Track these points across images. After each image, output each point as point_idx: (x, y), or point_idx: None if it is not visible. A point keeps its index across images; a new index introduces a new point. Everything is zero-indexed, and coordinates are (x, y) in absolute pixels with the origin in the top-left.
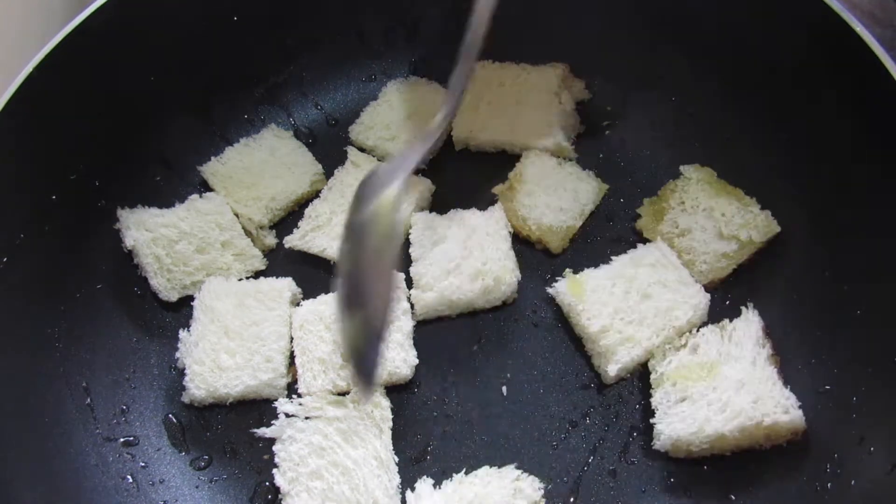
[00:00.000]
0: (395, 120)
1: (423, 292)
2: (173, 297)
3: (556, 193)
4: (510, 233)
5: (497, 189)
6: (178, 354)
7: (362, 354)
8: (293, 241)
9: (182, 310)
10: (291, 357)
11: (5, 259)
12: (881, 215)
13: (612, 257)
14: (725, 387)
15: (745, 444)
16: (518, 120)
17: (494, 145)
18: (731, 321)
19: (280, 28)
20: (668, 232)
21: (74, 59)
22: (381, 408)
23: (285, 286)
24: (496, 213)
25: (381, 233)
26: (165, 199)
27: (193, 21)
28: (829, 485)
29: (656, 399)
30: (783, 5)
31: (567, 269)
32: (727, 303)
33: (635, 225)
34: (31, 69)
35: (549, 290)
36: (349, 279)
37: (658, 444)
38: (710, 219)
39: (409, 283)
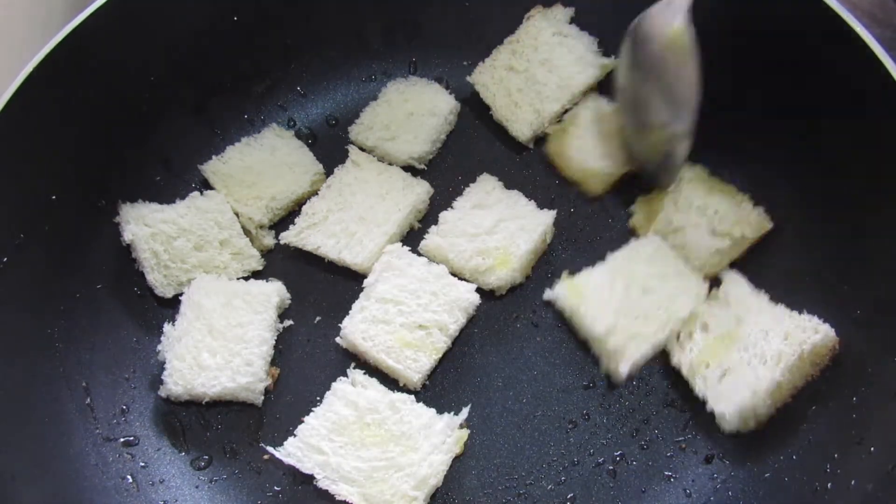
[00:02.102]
0: (395, 120)
1: (437, 235)
2: (169, 293)
3: (605, 140)
4: (545, 241)
5: (550, 128)
6: (159, 347)
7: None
8: (289, 237)
9: (166, 310)
10: (272, 362)
11: (5, 259)
12: (881, 215)
13: (608, 254)
14: (753, 342)
15: (799, 384)
16: (553, 77)
17: (559, 115)
18: (717, 289)
19: (280, 28)
20: (662, 229)
21: (74, 59)
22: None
23: (273, 291)
24: (545, 217)
25: (678, 61)
26: (165, 198)
27: (193, 21)
28: (829, 485)
29: (699, 388)
30: (783, 5)
31: (564, 272)
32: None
33: (629, 223)
34: (31, 69)
35: (547, 296)
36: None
37: (727, 425)
38: (703, 216)
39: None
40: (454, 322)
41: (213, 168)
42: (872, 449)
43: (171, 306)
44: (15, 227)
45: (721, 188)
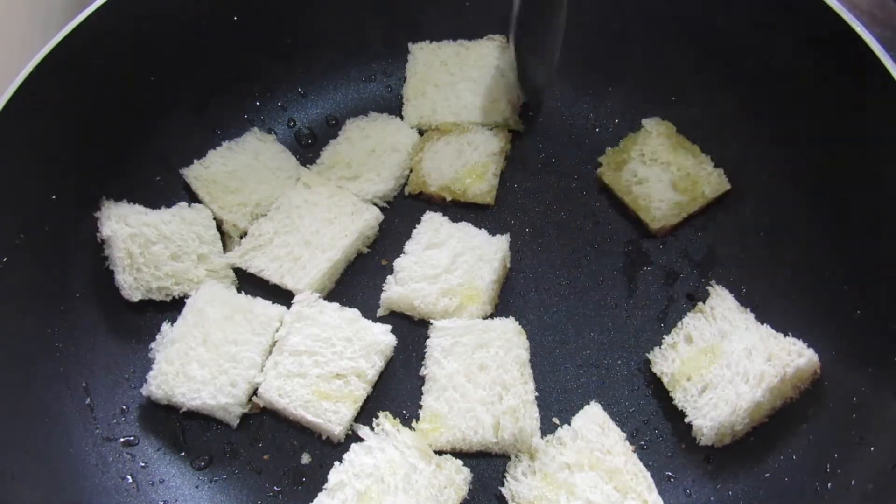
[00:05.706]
0: (356, 158)
1: (395, 285)
2: (135, 296)
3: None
4: (505, 267)
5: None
6: (152, 345)
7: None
8: (233, 257)
9: (166, 312)
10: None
11: (5, 259)
12: (882, 216)
13: (422, 372)
14: (736, 360)
15: (778, 404)
16: (465, 97)
17: (445, 127)
18: (704, 303)
19: (280, 28)
20: (627, 180)
21: (74, 59)
22: (456, 484)
23: (276, 316)
24: (500, 242)
25: None
26: (166, 199)
27: (193, 21)
28: (829, 485)
29: (679, 399)
30: (783, 5)
31: (406, 430)
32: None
33: (597, 173)
34: (31, 69)
35: (424, 448)
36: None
37: (703, 439)
38: (667, 171)
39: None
40: (371, 367)
41: (194, 173)
42: (872, 449)
43: (171, 308)
44: (15, 227)
45: (686, 146)
